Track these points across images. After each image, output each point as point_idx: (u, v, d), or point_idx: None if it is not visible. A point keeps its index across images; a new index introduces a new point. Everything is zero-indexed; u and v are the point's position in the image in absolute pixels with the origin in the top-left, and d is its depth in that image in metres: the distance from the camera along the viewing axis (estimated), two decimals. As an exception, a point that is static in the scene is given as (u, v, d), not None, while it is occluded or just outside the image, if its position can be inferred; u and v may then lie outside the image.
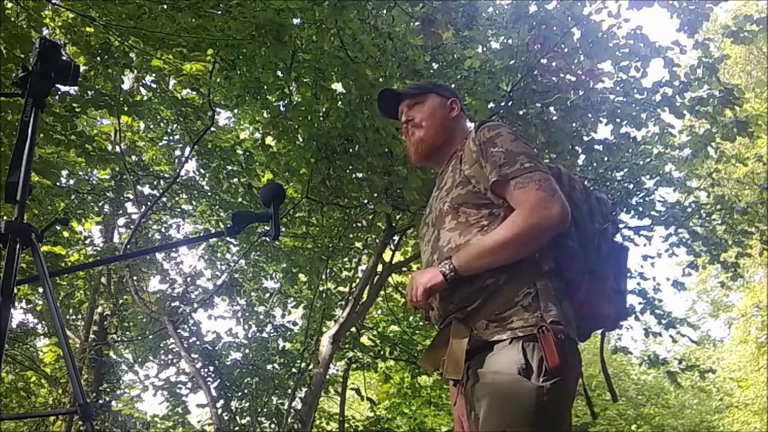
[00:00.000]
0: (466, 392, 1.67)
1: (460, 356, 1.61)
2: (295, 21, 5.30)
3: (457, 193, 1.75)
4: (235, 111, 7.54)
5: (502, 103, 5.79)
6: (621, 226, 7.32)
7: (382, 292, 7.86)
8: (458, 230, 1.72)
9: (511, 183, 1.68)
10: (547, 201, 1.64)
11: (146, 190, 7.91)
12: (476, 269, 1.65)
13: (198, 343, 7.40)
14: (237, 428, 6.99)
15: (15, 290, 1.51)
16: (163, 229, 8.61)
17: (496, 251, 1.63)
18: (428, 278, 1.67)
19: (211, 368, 7.18)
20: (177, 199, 8.25)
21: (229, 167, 7.22)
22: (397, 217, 6.70)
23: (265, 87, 5.85)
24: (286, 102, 6.02)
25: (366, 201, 6.69)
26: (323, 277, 7.23)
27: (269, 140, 6.65)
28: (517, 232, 1.63)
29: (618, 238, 1.92)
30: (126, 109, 5.46)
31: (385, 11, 5.77)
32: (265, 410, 7.21)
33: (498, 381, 1.56)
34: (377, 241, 7.24)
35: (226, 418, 6.92)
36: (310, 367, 6.95)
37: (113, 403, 9.57)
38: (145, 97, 6.81)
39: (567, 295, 1.68)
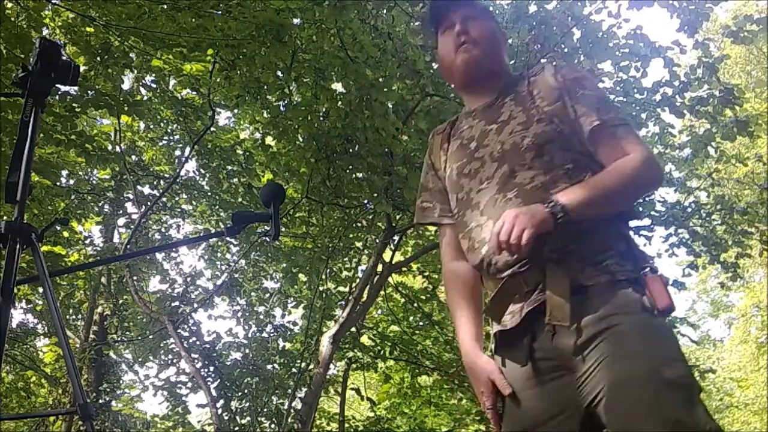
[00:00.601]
0: (548, 345, 1.47)
1: (565, 299, 1.43)
2: (295, 21, 5.30)
3: (541, 129, 1.57)
4: (235, 111, 7.54)
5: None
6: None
7: (382, 292, 7.86)
8: (542, 170, 1.54)
9: (611, 130, 1.57)
10: (655, 158, 1.58)
11: (146, 190, 7.92)
12: (586, 213, 1.47)
13: (198, 343, 7.40)
14: (237, 428, 6.99)
15: (15, 290, 1.51)
16: (163, 229, 8.61)
17: (611, 197, 1.51)
18: (538, 219, 1.43)
19: (211, 368, 7.18)
20: (177, 199, 8.25)
21: (229, 167, 7.22)
22: (397, 217, 6.70)
23: (265, 87, 5.86)
24: (286, 102, 6.02)
25: (366, 201, 6.69)
26: (323, 277, 7.23)
27: (269, 140, 6.65)
28: (634, 180, 1.53)
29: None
30: (126, 109, 5.46)
31: (385, 11, 5.77)
32: (265, 410, 7.21)
33: (630, 320, 1.40)
34: (377, 241, 7.24)
35: (226, 418, 6.92)
36: (310, 367, 6.95)
37: (113, 403, 9.58)
38: (145, 97, 6.81)
39: None
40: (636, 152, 1.54)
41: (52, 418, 8.81)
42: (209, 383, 6.99)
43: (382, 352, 8.50)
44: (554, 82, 1.63)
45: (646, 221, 7.49)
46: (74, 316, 9.84)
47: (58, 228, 7.05)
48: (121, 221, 8.98)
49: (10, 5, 4.74)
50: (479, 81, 1.72)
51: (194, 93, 7.01)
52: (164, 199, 7.85)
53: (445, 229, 1.77)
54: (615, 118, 1.59)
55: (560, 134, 1.57)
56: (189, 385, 7.62)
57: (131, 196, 7.97)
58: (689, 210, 7.61)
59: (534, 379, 1.49)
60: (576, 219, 1.45)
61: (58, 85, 1.73)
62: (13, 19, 4.71)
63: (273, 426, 7.13)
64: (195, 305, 7.79)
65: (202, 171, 7.59)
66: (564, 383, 1.45)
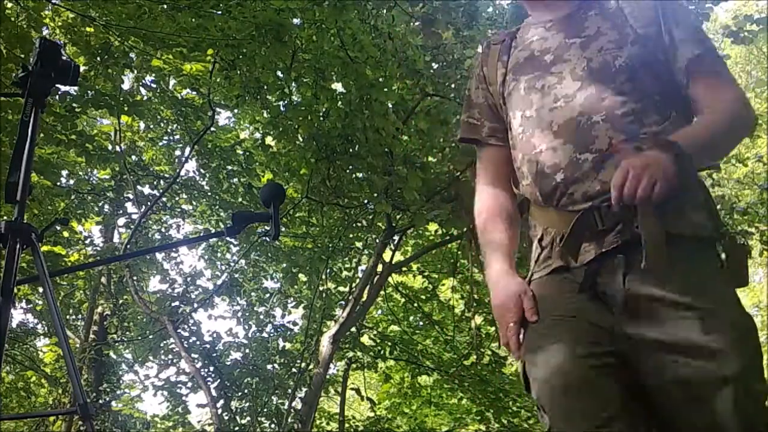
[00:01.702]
0: (611, 285, 1.32)
1: (662, 244, 1.26)
2: (295, 21, 5.30)
3: (636, 52, 1.42)
4: (235, 111, 7.54)
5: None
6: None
7: (382, 292, 7.86)
8: (634, 97, 1.38)
9: (710, 65, 1.42)
10: (749, 102, 1.45)
11: (146, 190, 7.91)
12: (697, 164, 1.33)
13: (198, 343, 7.40)
14: (237, 428, 6.99)
15: (15, 290, 1.51)
16: (163, 229, 8.61)
17: (718, 148, 1.39)
18: (671, 172, 1.23)
19: (211, 368, 7.18)
20: (177, 199, 8.25)
21: (229, 167, 7.23)
22: (397, 217, 6.70)
23: (265, 87, 5.86)
24: (286, 102, 6.02)
25: (366, 201, 6.69)
26: (323, 277, 7.23)
27: (269, 140, 6.65)
28: (736, 129, 1.41)
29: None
30: (126, 109, 5.47)
31: (385, 11, 5.77)
32: (265, 410, 7.21)
33: (720, 308, 1.27)
34: (377, 241, 7.24)
35: (226, 418, 6.92)
36: (310, 367, 6.95)
37: (113, 403, 9.57)
38: (145, 97, 6.82)
39: None
40: (735, 95, 1.42)
41: (52, 418, 8.80)
42: (209, 383, 6.99)
43: (382, 352, 8.51)
44: (650, 2, 1.47)
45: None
46: (74, 316, 9.84)
47: (58, 228, 7.05)
48: (121, 221, 9.00)
49: (10, 5, 4.75)
50: None
51: (194, 93, 7.01)
52: (164, 199, 7.85)
53: (489, 150, 1.62)
54: (713, 51, 1.44)
55: (654, 60, 1.42)
56: (189, 385, 7.62)
57: (131, 196, 7.97)
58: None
59: (577, 307, 1.34)
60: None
61: (58, 85, 1.73)
62: (13, 19, 4.71)
63: (273, 426, 7.13)
64: (195, 305, 7.79)
65: (202, 171, 7.59)
66: (613, 323, 1.30)
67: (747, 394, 1.21)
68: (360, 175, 6.24)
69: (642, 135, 1.34)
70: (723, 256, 1.33)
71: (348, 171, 6.21)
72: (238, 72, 5.71)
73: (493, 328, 7.62)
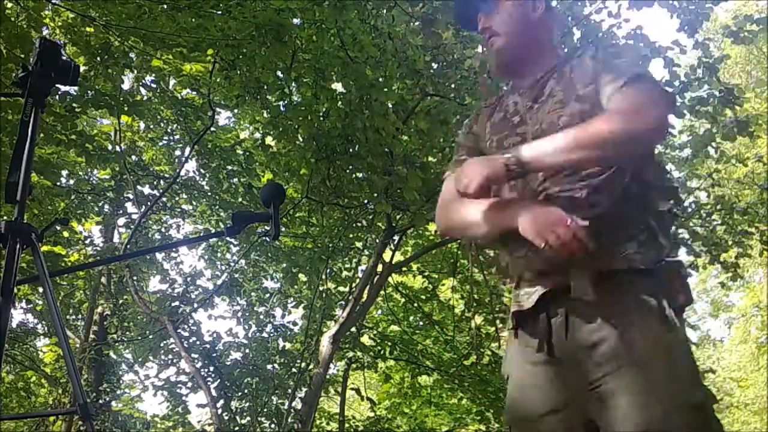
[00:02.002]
0: (562, 339, 1.50)
1: (587, 281, 1.46)
2: (295, 21, 5.30)
3: (577, 109, 1.58)
4: (235, 111, 7.54)
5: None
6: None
7: (382, 292, 7.86)
8: None
9: (624, 88, 1.52)
10: (650, 106, 1.49)
11: (146, 190, 7.91)
12: (547, 164, 1.49)
13: (198, 343, 7.40)
14: (237, 428, 6.99)
15: (15, 290, 1.51)
16: (163, 229, 8.61)
17: (576, 148, 1.46)
18: (488, 170, 1.47)
19: (211, 368, 7.18)
20: (177, 199, 8.24)
21: (229, 167, 7.23)
22: (397, 217, 6.70)
23: (265, 87, 5.86)
24: (286, 102, 6.02)
25: (366, 201, 6.69)
26: (323, 277, 7.23)
27: (269, 140, 6.65)
28: (605, 131, 1.47)
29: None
30: (126, 109, 5.47)
31: (385, 11, 5.77)
32: (265, 410, 7.21)
33: (648, 340, 1.43)
34: (377, 241, 7.24)
35: (226, 418, 6.92)
36: (310, 367, 6.95)
37: (113, 403, 9.58)
38: (145, 97, 6.82)
39: None
40: (627, 101, 1.49)
41: (52, 418, 8.80)
42: (209, 383, 6.99)
43: (382, 352, 8.51)
44: (590, 64, 1.63)
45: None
46: (74, 316, 9.83)
47: (58, 228, 7.05)
48: (121, 221, 8.99)
49: (10, 5, 4.75)
50: (512, 64, 1.75)
51: (194, 93, 7.01)
52: (164, 199, 7.84)
53: None
54: (635, 76, 1.52)
55: (594, 115, 1.53)
56: (189, 385, 7.62)
57: (131, 196, 7.96)
58: (689, 210, 7.60)
59: (542, 371, 1.53)
60: (533, 170, 1.48)
61: (58, 85, 1.72)
62: (13, 19, 4.71)
63: (273, 426, 7.13)
64: (195, 305, 7.79)
65: (202, 171, 7.59)
66: (571, 380, 1.48)
67: (677, 408, 1.36)
68: (360, 175, 6.24)
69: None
70: (661, 280, 1.47)
71: (348, 171, 6.21)
72: (238, 72, 5.71)
73: (493, 328, 7.62)
